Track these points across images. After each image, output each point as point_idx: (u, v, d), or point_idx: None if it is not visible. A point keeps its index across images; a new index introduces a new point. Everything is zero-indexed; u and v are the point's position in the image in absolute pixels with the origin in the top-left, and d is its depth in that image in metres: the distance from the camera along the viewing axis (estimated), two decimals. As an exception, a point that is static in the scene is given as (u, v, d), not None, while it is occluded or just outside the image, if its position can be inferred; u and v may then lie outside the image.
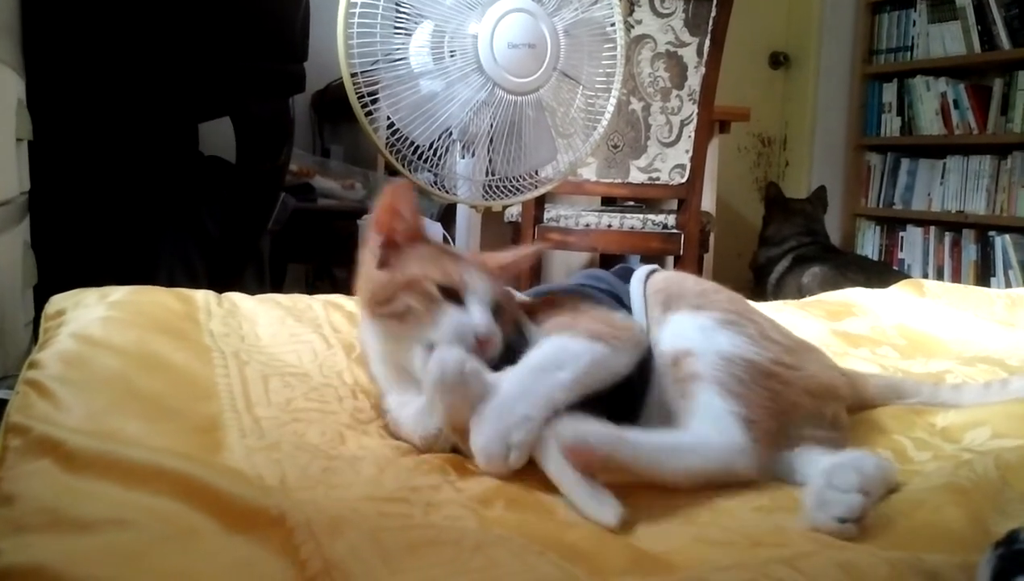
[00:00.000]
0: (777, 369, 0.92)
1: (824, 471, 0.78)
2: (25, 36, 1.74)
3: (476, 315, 0.89)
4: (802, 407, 0.91)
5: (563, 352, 0.86)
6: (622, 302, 1.01)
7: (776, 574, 0.58)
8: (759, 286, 3.53)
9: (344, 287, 2.07)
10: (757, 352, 0.91)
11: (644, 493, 0.80)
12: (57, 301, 1.28)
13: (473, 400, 0.80)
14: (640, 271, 1.05)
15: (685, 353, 0.91)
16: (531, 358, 0.86)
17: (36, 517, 0.64)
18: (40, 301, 1.35)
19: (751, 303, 1.06)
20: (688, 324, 0.94)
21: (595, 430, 0.78)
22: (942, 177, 3.84)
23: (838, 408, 0.97)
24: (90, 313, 1.17)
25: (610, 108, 1.74)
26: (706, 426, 0.86)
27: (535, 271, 2.52)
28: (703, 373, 0.88)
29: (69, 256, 1.83)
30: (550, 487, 0.80)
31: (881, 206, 4.08)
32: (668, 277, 1.04)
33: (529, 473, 0.83)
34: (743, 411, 0.86)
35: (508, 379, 0.83)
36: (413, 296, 0.90)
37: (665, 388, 0.93)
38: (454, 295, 0.90)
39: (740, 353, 0.90)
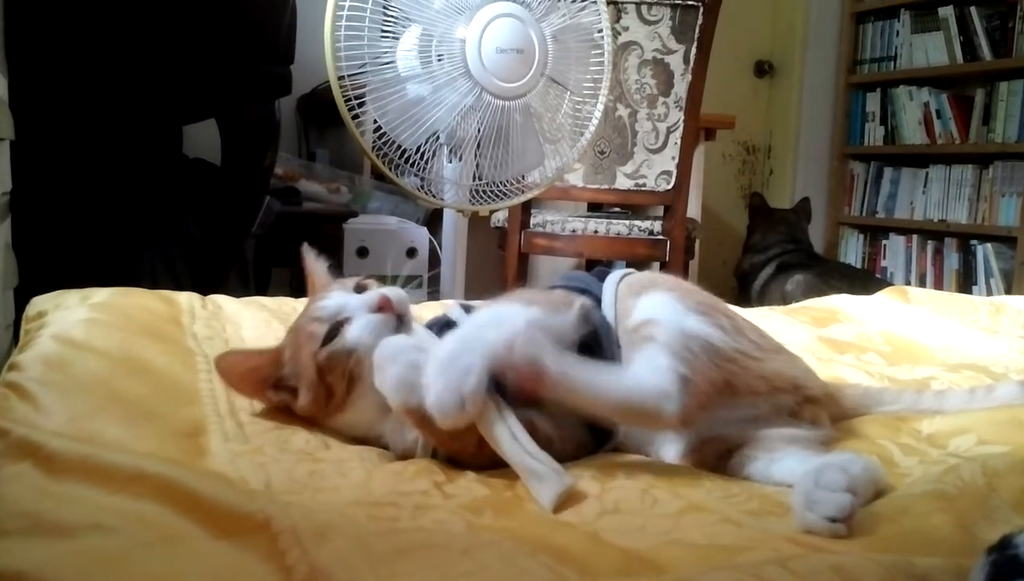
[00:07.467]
0: (737, 356, 0.92)
1: (812, 471, 0.78)
2: (8, 34, 1.72)
3: (360, 300, 0.92)
4: (756, 390, 0.91)
5: (498, 314, 0.87)
6: (595, 298, 1.01)
7: (768, 575, 0.57)
8: (743, 293, 3.55)
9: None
10: (722, 339, 0.91)
11: (634, 496, 0.80)
12: (38, 303, 1.26)
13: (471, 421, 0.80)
14: (616, 272, 1.05)
15: (648, 322, 0.91)
16: (469, 321, 0.88)
17: (16, 521, 0.63)
18: (21, 303, 1.33)
19: (734, 308, 1.06)
20: (658, 301, 0.94)
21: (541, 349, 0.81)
22: (924, 186, 3.88)
23: (812, 407, 0.96)
24: (72, 315, 1.16)
25: (597, 114, 1.74)
26: (642, 370, 0.86)
27: (522, 277, 2.52)
28: (658, 337, 0.88)
29: (51, 258, 1.81)
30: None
31: (864, 214, 4.11)
32: (644, 274, 1.04)
33: (519, 481, 0.82)
34: (683, 371, 0.86)
35: (447, 338, 0.83)
36: (325, 375, 0.91)
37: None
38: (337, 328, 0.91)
39: (702, 334, 0.90)
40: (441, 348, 0.81)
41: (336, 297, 0.94)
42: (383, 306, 0.91)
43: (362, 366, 0.88)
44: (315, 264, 1.07)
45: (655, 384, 0.85)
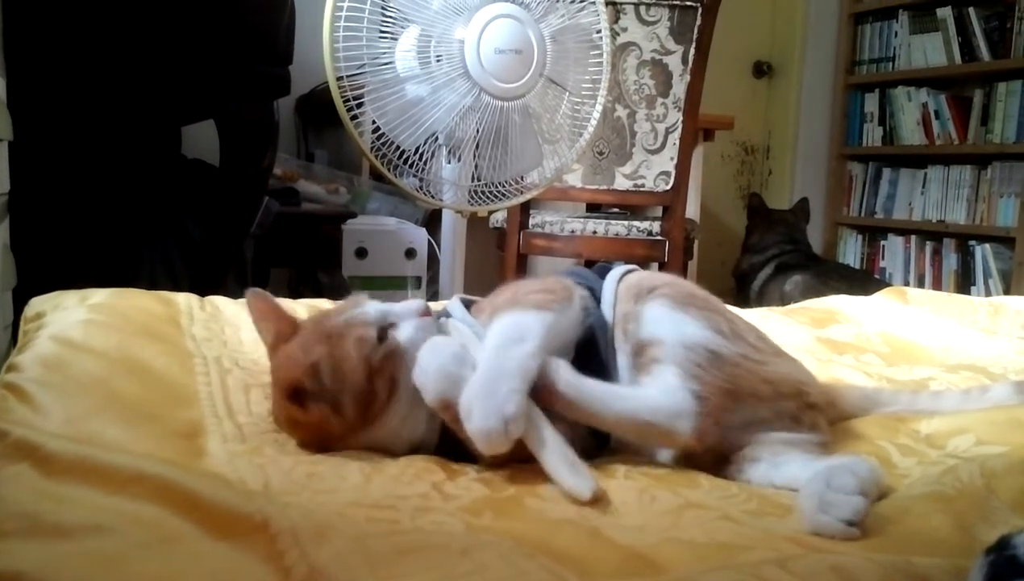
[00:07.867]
0: (740, 361, 0.93)
1: (822, 474, 0.78)
2: (7, 34, 1.72)
3: (402, 306, 0.95)
4: (761, 395, 0.92)
5: (518, 326, 0.89)
6: (595, 295, 1.02)
7: (768, 575, 0.57)
8: (742, 293, 3.55)
9: (328, 292, 2.06)
10: (723, 345, 0.93)
11: (633, 496, 0.80)
12: (36, 303, 1.26)
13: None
14: (617, 270, 1.05)
15: (651, 342, 0.93)
16: (491, 339, 0.89)
17: (14, 522, 0.62)
18: (19, 304, 1.33)
19: (733, 309, 1.06)
20: (659, 313, 0.95)
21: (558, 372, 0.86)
22: (923, 187, 3.88)
23: (812, 412, 0.96)
24: (70, 316, 1.15)
25: (596, 115, 1.74)
26: (654, 391, 0.89)
27: (521, 276, 2.51)
28: (664, 358, 0.91)
29: (49, 258, 1.81)
30: (539, 494, 0.80)
31: (863, 215, 4.11)
32: (643, 274, 1.05)
33: (518, 481, 0.82)
34: (696, 388, 0.88)
35: (480, 366, 0.85)
36: (374, 377, 0.89)
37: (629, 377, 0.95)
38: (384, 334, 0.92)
39: (703, 342, 0.92)
40: (477, 377, 0.84)
41: (373, 304, 0.95)
42: (426, 312, 0.95)
43: (405, 371, 0.89)
44: (267, 299, 1.01)
45: (668, 404, 0.87)
